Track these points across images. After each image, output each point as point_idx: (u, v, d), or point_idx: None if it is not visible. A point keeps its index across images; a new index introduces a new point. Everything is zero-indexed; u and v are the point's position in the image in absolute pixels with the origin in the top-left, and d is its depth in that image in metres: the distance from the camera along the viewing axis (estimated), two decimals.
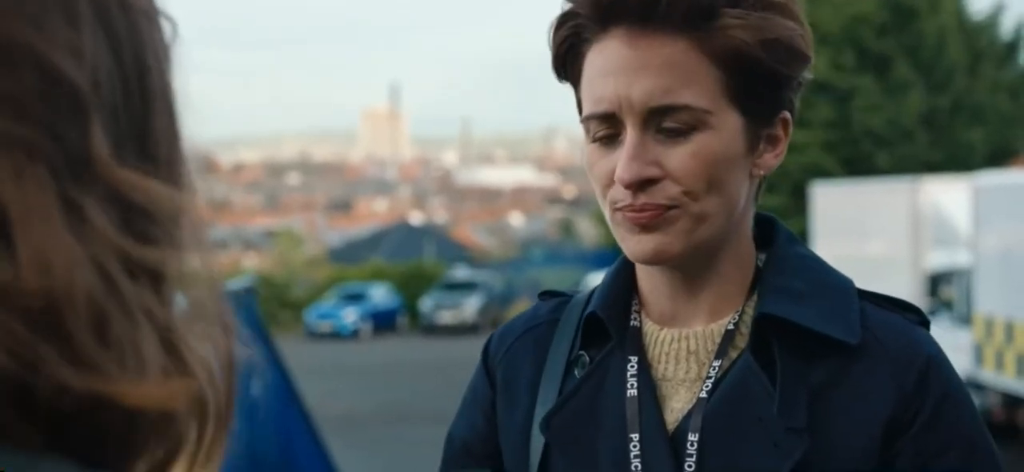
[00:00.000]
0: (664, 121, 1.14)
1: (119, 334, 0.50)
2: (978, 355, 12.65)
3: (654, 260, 1.17)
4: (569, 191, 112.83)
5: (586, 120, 1.18)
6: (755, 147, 1.19)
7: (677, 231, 1.15)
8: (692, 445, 1.16)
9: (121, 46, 0.53)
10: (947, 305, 13.90)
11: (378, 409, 18.08)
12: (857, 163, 25.95)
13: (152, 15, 0.56)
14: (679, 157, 1.14)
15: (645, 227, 1.15)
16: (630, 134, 1.14)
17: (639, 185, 1.14)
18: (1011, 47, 28.91)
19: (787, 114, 1.20)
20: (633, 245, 1.16)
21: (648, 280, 1.24)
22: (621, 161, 1.14)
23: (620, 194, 1.16)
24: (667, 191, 1.14)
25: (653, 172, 1.14)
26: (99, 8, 0.53)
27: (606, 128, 1.17)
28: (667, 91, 1.13)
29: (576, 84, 1.21)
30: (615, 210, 1.17)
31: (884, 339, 1.18)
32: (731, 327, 1.20)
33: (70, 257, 0.49)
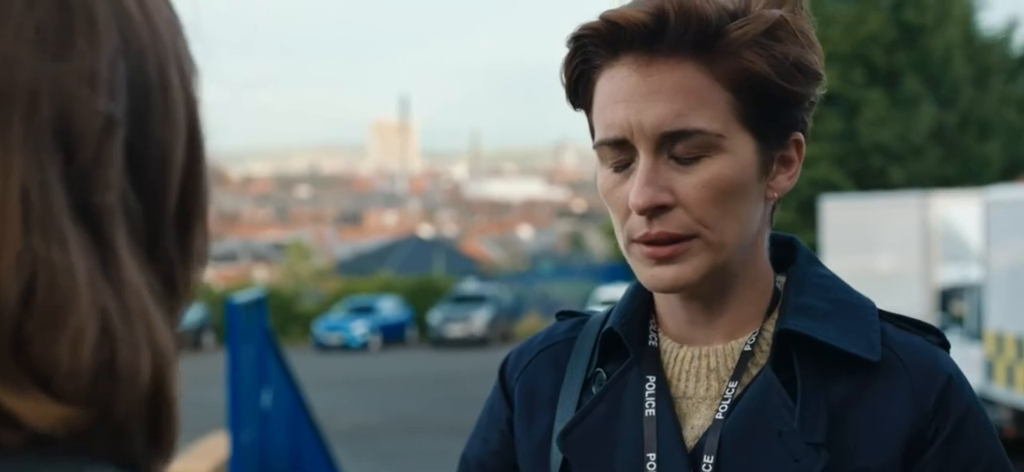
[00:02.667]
0: (676, 146, 1.14)
1: (42, 349, 0.50)
2: (989, 371, 12.60)
3: (671, 289, 1.17)
4: (579, 204, 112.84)
5: (598, 146, 1.18)
6: (768, 170, 1.18)
7: (694, 263, 1.15)
8: (707, 467, 1.16)
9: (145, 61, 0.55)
10: (958, 320, 13.85)
11: (387, 421, 18.06)
12: (868, 178, 25.93)
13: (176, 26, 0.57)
14: (692, 184, 1.14)
15: (661, 259, 1.15)
16: (643, 160, 1.14)
17: (652, 211, 1.14)
18: (1022, 62, 28.88)
19: (800, 135, 1.20)
20: (649, 276, 1.16)
21: (665, 300, 1.23)
22: (634, 188, 1.14)
23: (636, 223, 1.15)
24: (680, 219, 1.14)
25: (666, 199, 1.14)
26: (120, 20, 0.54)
27: (618, 154, 1.17)
28: (678, 116, 1.13)
29: (588, 109, 1.21)
30: (632, 242, 1.17)
31: (905, 358, 1.17)
32: (748, 348, 1.20)
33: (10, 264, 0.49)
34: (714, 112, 1.14)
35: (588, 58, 1.18)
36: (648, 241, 1.15)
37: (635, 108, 1.14)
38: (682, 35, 1.13)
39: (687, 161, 1.14)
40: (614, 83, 1.16)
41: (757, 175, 1.17)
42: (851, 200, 19.82)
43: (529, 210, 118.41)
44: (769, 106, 1.15)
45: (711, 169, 1.14)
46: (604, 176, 1.19)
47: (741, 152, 1.15)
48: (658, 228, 1.14)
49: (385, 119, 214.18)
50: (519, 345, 1.35)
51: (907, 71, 26.56)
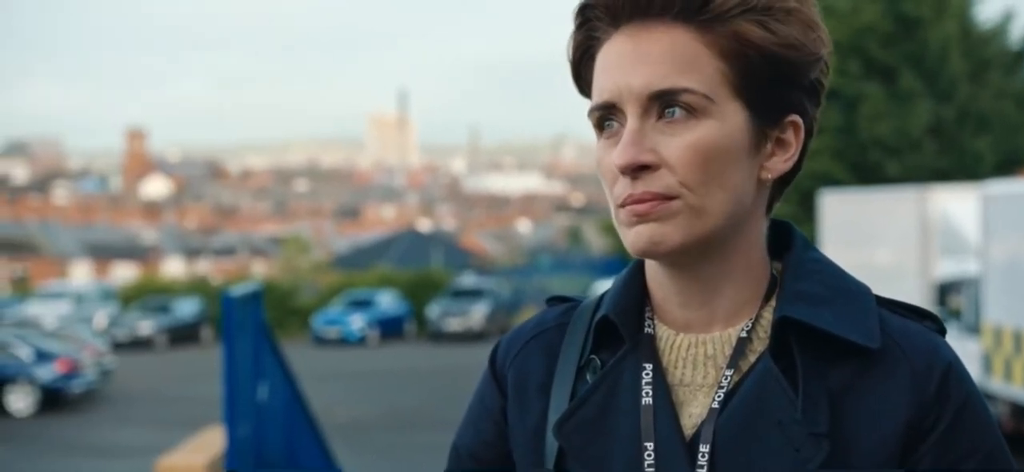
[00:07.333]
0: (664, 108, 1.14)
1: None
2: (987, 364, 12.62)
3: (651, 250, 1.15)
4: (577, 199, 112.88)
5: (590, 113, 1.19)
6: (761, 147, 1.17)
7: (676, 223, 1.13)
8: (703, 456, 1.14)
9: None
10: (955, 314, 13.86)
11: (385, 415, 18.07)
12: (866, 171, 25.92)
13: None
14: (676, 146, 1.13)
15: (643, 217, 1.14)
16: (629, 122, 1.14)
17: (635, 170, 1.13)
18: (1019, 56, 28.85)
19: (797, 118, 1.19)
20: (632, 237, 1.15)
21: (660, 285, 1.22)
22: (618, 148, 1.14)
23: (621, 187, 1.15)
24: (664, 181, 1.13)
25: (649, 158, 1.13)
26: None
27: (609, 120, 1.17)
28: (666, 77, 1.13)
29: (590, 90, 1.22)
30: (618, 207, 1.16)
31: (904, 345, 1.16)
32: (745, 334, 1.18)
33: None
34: (703, 76, 1.13)
35: (592, 32, 1.19)
36: (632, 201, 1.14)
37: (624, 72, 1.15)
38: (672, 1, 1.14)
39: (673, 124, 1.14)
40: (608, 52, 1.17)
41: (748, 148, 1.16)
42: (850, 194, 19.82)
43: (528, 204, 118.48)
44: (760, 77, 1.15)
45: (697, 132, 1.13)
46: (598, 148, 1.19)
47: (730, 120, 1.14)
48: (641, 188, 1.13)
49: (384, 113, 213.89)
50: (509, 333, 1.32)
51: (904, 66, 26.54)
